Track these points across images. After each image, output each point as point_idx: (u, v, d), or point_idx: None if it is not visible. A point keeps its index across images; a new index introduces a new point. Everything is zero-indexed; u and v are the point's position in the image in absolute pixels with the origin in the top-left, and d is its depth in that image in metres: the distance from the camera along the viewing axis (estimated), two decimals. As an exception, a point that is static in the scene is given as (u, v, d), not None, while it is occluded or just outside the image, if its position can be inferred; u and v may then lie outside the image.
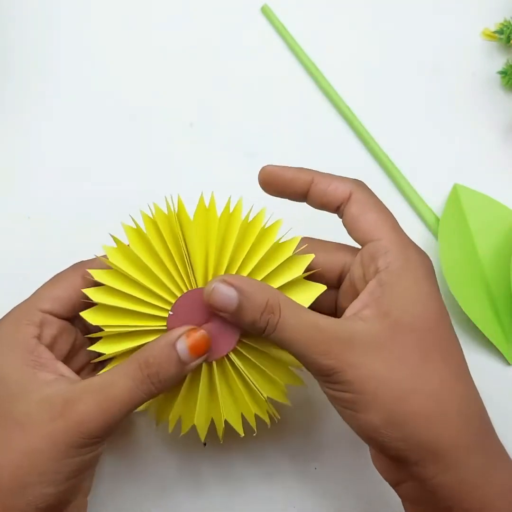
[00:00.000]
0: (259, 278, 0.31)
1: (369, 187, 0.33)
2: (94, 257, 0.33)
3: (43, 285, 0.33)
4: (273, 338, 0.29)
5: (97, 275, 0.32)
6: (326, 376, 0.29)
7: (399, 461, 0.29)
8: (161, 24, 0.46)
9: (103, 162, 0.44)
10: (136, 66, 0.45)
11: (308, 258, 0.32)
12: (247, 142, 0.44)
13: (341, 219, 0.32)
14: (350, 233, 0.32)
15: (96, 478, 0.34)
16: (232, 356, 0.31)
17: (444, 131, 0.44)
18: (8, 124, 0.44)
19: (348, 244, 0.33)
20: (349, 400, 0.28)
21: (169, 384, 0.29)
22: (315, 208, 0.33)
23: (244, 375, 0.31)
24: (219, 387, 0.32)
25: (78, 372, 0.33)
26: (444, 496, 0.28)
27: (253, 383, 0.32)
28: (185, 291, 0.31)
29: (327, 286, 0.32)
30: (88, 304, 0.32)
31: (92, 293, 0.32)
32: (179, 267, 0.31)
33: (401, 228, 0.31)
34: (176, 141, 0.44)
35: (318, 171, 0.32)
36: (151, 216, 0.32)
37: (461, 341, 0.40)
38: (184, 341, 0.29)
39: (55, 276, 0.33)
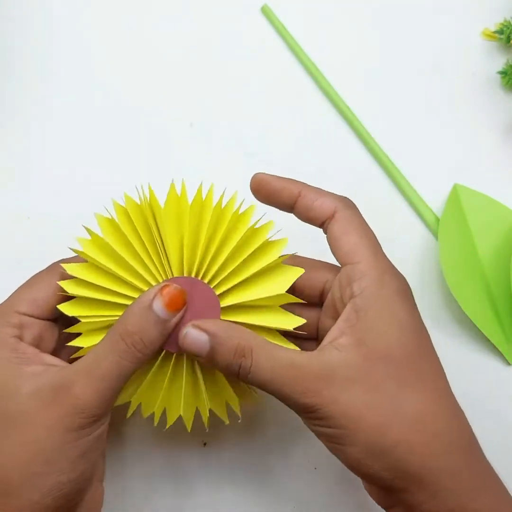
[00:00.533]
0: (236, 264, 0.31)
1: (357, 206, 0.32)
2: (70, 251, 0.33)
3: (20, 287, 0.33)
4: (249, 381, 0.29)
5: (71, 269, 0.32)
6: (307, 413, 0.29)
7: (387, 490, 0.29)
8: (161, 24, 0.46)
9: (103, 162, 0.44)
10: (136, 66, 0.45)
11: (283, 242, 0.32)
12: (247, 142, 0.44)
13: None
14: (332, 251, 0.32)
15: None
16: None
17: (444, 131, 0.44)
18: (8, 124, 0.44)
19: (330, 261, 0.33)
20: (332, 435, 0.28)
21: (155, 347, 0.29)
22: (302, 220, 0.33)
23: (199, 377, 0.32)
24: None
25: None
26: None
27: (202, 391, 0.32)
28: (160, 281, 0.31)
29: (309, 304, 0.33)
30: (69, 298, 0.32)
31: (67, 285, 0.32)
32: (153, 257, 0.31)
33: (381, 252, 0.31)
34: (176, 141, 0.44)
35: (307, 185, 0.32)
36: (123, 205, 0.32)
37: (461, 341, 0.41)
38: (159, 299, 0.29)
39: (32, 277, 0.33)
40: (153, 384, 0.32)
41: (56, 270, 0.32)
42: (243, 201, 0.32)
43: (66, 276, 0.32)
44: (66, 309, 0.32)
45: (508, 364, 0.40)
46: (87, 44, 0.46)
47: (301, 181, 0.32)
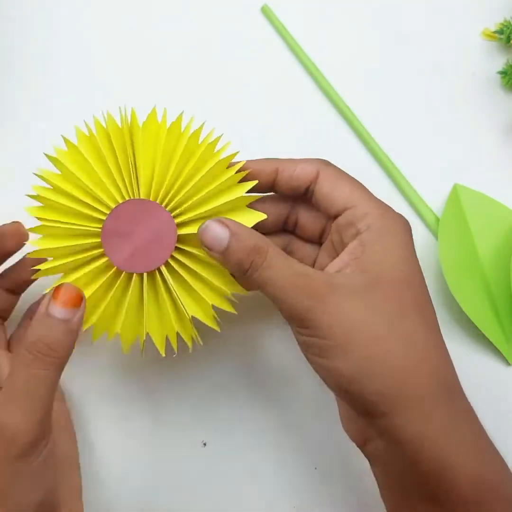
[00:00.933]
0: (200, 194, 0.32)
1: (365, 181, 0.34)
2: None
3: None
4: (255, 277, 0.29)
5: (45, 173, 0.33)
6: (300, 320, 0.29)
7: (367, 414, 0.29)
8: (161, 24, 0.46)
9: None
10: (136, 66, 0.45)
11: (251, 183, 0.33)
12: (247, 142, 0.44)
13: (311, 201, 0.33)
14: (323, 209, 0.33)
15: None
16: (163, 270, 0.32)
17: (444, 131, 0.44)
18: (7, 124, 0.44)
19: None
20: (323, 346, 0.29)
21: (68, 348, 0.29)
22: (286, 194, 0.34)
23: (172, 290, 0.32)
24: (147, 300, 0.32)
25: None
26: (407, 452, 0.28)
27: (179, 300, 0.32)
28: (126, 198, 0.32)
29: (308, 241, 0.35)
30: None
31: (39, 190, 0.33)
32: (124, 174, 0.32)
33: (377, 197, 0.32)
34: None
35: (281, 159, 0.33)
36: (104, 124, 0.33)
37: (461, 341, 0.41)
38: (54, 303, 0.29)
39: None
40: (115, 307, 0.33)
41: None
42: (221, 136, 0.33)
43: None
44: (32, 211, 0.33)
45: (508, 364, 0.40)
46: (87, 44, 0.46)
47: (276, 157, 0.33)
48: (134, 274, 0.32)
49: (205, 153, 0.33)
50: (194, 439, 0.38)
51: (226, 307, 0.34)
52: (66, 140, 0.33)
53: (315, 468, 0.38)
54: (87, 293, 0.32)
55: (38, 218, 0.33)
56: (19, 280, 0.36)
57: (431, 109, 0.45)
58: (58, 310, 0.29)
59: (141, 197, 0.32)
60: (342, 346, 0.28)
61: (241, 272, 0.30)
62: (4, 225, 0.35)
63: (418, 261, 0.32)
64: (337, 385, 0.29)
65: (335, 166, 0.33)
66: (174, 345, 0.34)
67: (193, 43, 0.46)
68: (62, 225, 0.32)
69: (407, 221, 0.32)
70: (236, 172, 0.33)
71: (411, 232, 0.32)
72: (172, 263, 0.33)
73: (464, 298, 0.40)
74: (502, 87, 0.45)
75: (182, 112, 0.33)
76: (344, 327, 0.28)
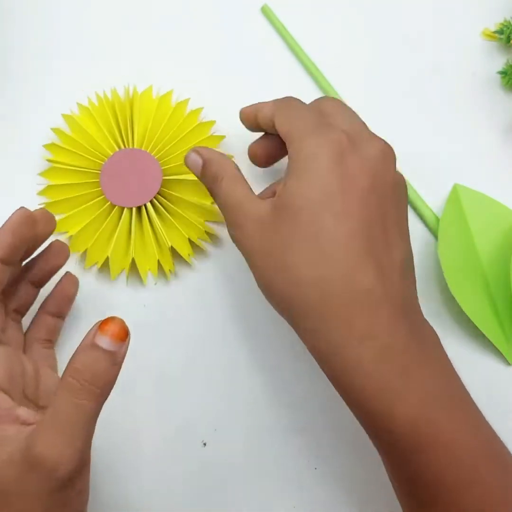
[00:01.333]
0: (182, 149, 0.41)
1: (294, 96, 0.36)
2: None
3: None
4: (213, 196, 0.36)
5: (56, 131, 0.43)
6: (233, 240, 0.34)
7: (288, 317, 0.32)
8: (161, 24, 0.46)
9: (103, 162, 0.44)
10: (136, 66, 0.45)
11: (221, 137, 0.43)
12: (248, 143, 0.44)
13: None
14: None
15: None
16: (149, 206, 0.40)
17: (444, 131, 0.44)
18: (7, 124, 0.44)
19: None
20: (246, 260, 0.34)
21: (111, 381, 0.28)
22: (269, 132, 0.37)
23: (155, 223, 0.40)
24: (134, 231, 0.40)
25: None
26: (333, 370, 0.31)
27: (161, 231, 0.40)
28: (122, 147, 0.41)
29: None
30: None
31: (51, 148, 0.42)
32: (122, 131, 0.41)
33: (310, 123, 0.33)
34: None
35: (262, 103, 0.37)
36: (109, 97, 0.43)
37: (461, 341, 0.41)
38: (101, 335, 0.28)
39: None
40: (107, 238, 0.40)
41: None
42: (202, 108, 0.43)
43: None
44: (48, 154, 0.42)
45: (508, 364, 0.40)
46: (87, 44, 0.46)
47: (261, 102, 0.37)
48: (125, 209, 0.40)
49: (188, 119, 0.42)
50: (194, 439, 0.38)
51: (200, 242, 0.41)
52: (79, 105, 0.43)
53: (315, 468, 0.38)
54: (85, 222, 0.40)
55: (50, 160, 0.42)
56: (44, 270, 0.37)
57: (431, 109, 0.45)
58: (106, 341, 0.28)
59: (135, 147, 0.41)
60: (253, 267, 0.33)
61: (208, 190, 0.36)
62: (35, 210, 0.35)
63: (338, 177, 0.31)
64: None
65: (291, 101, 0.36)
66: (154, 274, 0.41)
67: (192, 43, 0.46)
68: (69, 167, 0.41)
69: (342, 139, 0.32)
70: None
71: (341, 154, 0.32)
72: (156, 202, 0.41)
73: (464, 298, 0.40)
74: (502, 87, 0.45)
75: (171, 89, 0.43)
76: (252, 253, 0.33)
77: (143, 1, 0.47)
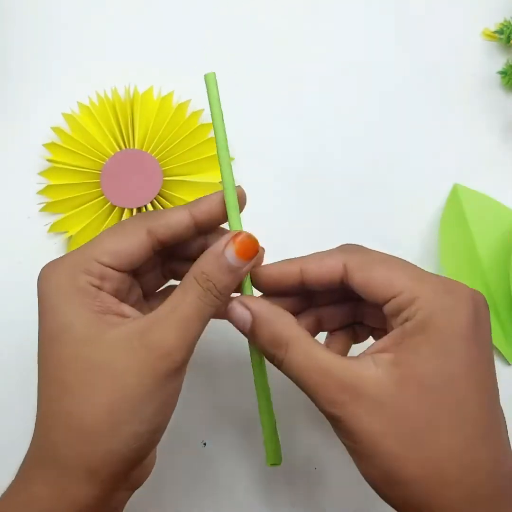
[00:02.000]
0: (183, 150, 0.41)
1: (359, 245, 0.31)
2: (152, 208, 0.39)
3: (102, 234, 0.31)
4: (283, 370, 0.29)
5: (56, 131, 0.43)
6: (332, 421, 0.28)
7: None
8: (161, 24, 0.46)
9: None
10: (136, 66, 0.45)
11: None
12: (248, 146, 0.44)
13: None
14: (368, 299, 0.29)
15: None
16: (149, 207, 0.40)
17: (444, 131, 0.44)
18: (7, 124, 0.44)
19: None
20: (352, 449, 0.27)
21: (228, 293, 0.29)
22: (322, 290, 0.31)
23: None
24: None
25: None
26: None
27: None
28: (123, 148, 0.41)
29: (339, 301, 0.32)
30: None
31: (51, 148, 0.42)
32: (123, 132, 0.41)
33: (421, 270, 0.29)
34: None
35: (303, 258, 0.31)
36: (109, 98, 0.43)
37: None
38: (232, 247, 0.29)
39: (116, 225, 0.31)
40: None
41: (144, 223, 0.31)
42: (202, 110, 0.43)
43: (155, 231, 0.31)
44: (48, 154, 0.42)
45: (508, 364, 0.40)
46: (87, 43, 0.46)
47: (297, 257, 0.31)
48: (125, 209, 0.40)
49: (189, 121, 0.42)
50: (194, 439, 0.38)
51: None
52: (80, 104, 0.43)
53: (315, 468, 0.38)
54: (85, 222, 0.40)
55: (50, 160, 0.41)
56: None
57: (431, 109, 0.45)
58: (234, 257, 0.29)
59: (136, 147, 0.41)
60: (369, 456, 0.27)
61: (270, 360, 0.29)
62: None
63: (478, 350, 0.27)
64: (368, 482, 0.28)
65: (361, 249, 0.30)
66: None
67: (193, 43, 0.46)
68: (69, 167, 0.41)
69: (477, 297, 0.28)
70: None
71: (478, 313, 0.27)
72: (157, 203, 0.41)
73: (464, 298, 0.40)
74: (502, 87, 0.45)
75: (173, 90, 0.43)
76: (369, 438, 0.26)
77: (144, 1, 0.47)
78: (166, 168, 0.41)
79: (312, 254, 0.31)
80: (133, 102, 0.42)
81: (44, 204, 0.42)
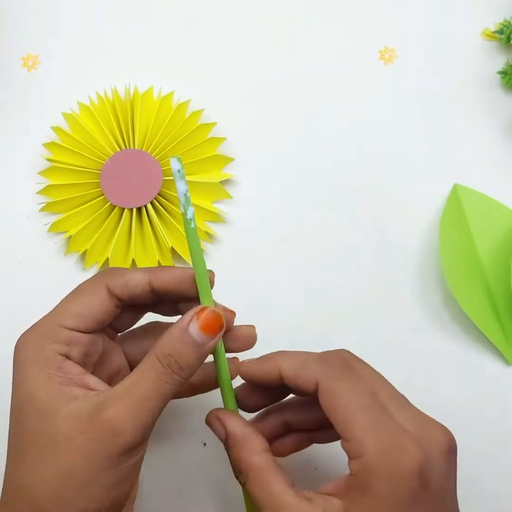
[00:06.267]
0: (183, 149, 0.41)
1: (350, 357, 0.30)
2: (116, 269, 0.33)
3: (65, 298, 0.31)
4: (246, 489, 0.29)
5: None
6: None
7: None
8: (162, 24, 0.46)
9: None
10: (136, 66, 0.45)
11: (221, 139, 0.42)
12: (248, 147, 0.44)
13: None
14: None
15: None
16: (149, 207, 0.40)
17: (444, 131, 0.44)
18: (7, 123, 0.44)
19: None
20: None
21: (193, 370, 0.29)
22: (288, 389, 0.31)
23: (156, 224, 0.40)
24: (134, 232, 0.40)
25: (109, 380, 0.32)
26: None
27: (161, 232, 0.40)
28: (123, 148, 0.41)
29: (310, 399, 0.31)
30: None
31: (51, 147, 0.42)
32: (123, 131, 0.41)
33: (382, 415, 0.27)
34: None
35: (283, 356, 0.31)
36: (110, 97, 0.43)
37: (461, 341, 0.41)
38: (195, 323, 0.29)
39: (77, 288, 0.32)
40: (107, 238, 0.41)
41: (102, 281, 0.31)
42: (202, 110, 0.43)
43: (113, 288, 0.31)
44: (48, 154, 0.42)
45: (508, 364, 0.41)
46: (88, 43, 0.46)
47: (277, 352, 0.31)
48: (125, 209, 0.40)
49: (189, 121, 0.42)
50: (194, 439, 0.38)
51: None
52: (80, 104, 0.43)
53: (315, 468, 0.38)
54: (85, 222, 0.40)
55: (50, 159, 0.41)
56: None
57: (431, 109, 0.45)
58: (198, 333, 0.29)
59: (136, 147, 0.41)
60: None
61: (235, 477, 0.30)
62: (241, 326, 0.34)
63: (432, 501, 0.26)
64: None
65: (342, 369, 0.29)
66: None
67: (194, 43, 0.46)
68: (69, 166, 0.41)
69: (431, 453, 0.27)
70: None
71: (425, 478, 0.26)
72: (157, 202, 0.41)
73: (464, 298, 0.40)
74: (502, 87, 0.45)
75: (173, 91, 0.43)
76: None
77: (144, 1, 0.47)
78: (166, 167, 0.41)
79: (293, 355, 0.31)
80: (133, 102, 0.42)
81: (44, 204, 0.42)
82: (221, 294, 0.41)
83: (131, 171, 0.40)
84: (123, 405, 0.28)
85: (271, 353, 0.31)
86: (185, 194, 0.30)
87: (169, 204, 0.41)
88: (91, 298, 0.31)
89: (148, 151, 0.41)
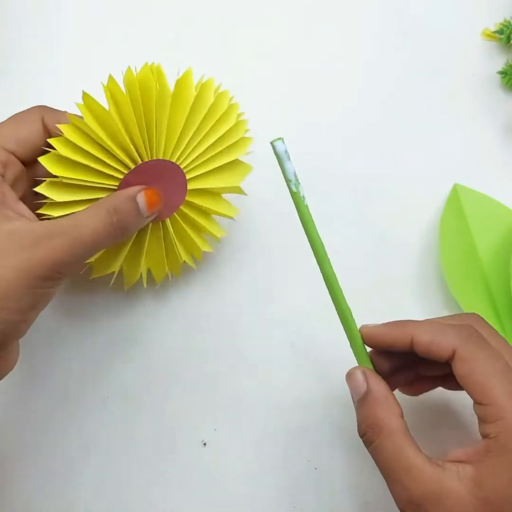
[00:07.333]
0: (207, 156, 0.36)
1: (481, 326, 0.31)
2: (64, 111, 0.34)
3: (3, 123, 0.32)
4: (369, 450, 0.30)
5: (66, 131, 0.32)
6: None
7: None
8: (160, 24, 0.46)
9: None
10: (135, 65, 0.45)
11: (248, 141, 0.38)
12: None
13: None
14: (463, 387, 0.30)
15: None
16: (167, 222, 0.36)
17: (444, 131, 0.44)
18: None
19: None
20: None
21: (130, 233, 0.33)
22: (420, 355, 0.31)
23: (172, 238, 0.37)
24: (148, 243, 0.37)
25: None
26: None
27: (176, 247, 0.38)
28: (146, 159, 0.34)
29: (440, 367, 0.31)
30: (45, 151, 0.33)
31: (57, 144, 0.32)
32: (147, 137, 0.33)
33: None
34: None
35: (416, 324, 0.31)
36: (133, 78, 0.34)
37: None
38: (142, 196, 0.33)
39: (15, 116, 0.33)
40: (115, 250, 0.37)
41: (39, 114, 0.33)
42: (242, 113, 0.37)
43: (48, 121, 0.33)
44: (48, 165, 0.32)
45: (508, 364, 0.41)
46: (87, 43, 0.46)
47: (408, 320, 0.31)
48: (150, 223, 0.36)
49: (224, 118, 0.36)
50: (194, 439, 0.38)
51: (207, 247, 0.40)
52: (88, 99, 0.34)
53: (315, 468, 0.38)
54: None
55: (58, 175, 0.32)
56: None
57: (431, 109, 0.45)
58: (143, 204, 0.33)
59: (159, 157, 0.34)
60: None
61: (359, 433, 0.30)
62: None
63: None
64: None
65: (476, 342, 0.30)
66: (158, 279, 0.39)
67: (197, 41, 0.46)
68: (78, 182, 0.33)
69: None
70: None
71: None
72: (176, 215, 0.37)
73: (464, 298, 0.40)
74: (502, 87, 0.45)
75: (212, 77, 0.35)
76: None
77: (143, 3, 0.47)
78: (189, 177, 0.36)
79: (428, 323, 0.31)
80: (161, 89, 0.33)
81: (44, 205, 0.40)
82: (226, 289, 0.41)
83: (153, 183, 0.34)
84: (66, 240, 0.30)
85: (400, 321, 0.32)
86: (295, 173, 0.30)
87: (192, 215, 0.37)
88: (30, 126, 0.33)
89: (172, 158, 0.35)
